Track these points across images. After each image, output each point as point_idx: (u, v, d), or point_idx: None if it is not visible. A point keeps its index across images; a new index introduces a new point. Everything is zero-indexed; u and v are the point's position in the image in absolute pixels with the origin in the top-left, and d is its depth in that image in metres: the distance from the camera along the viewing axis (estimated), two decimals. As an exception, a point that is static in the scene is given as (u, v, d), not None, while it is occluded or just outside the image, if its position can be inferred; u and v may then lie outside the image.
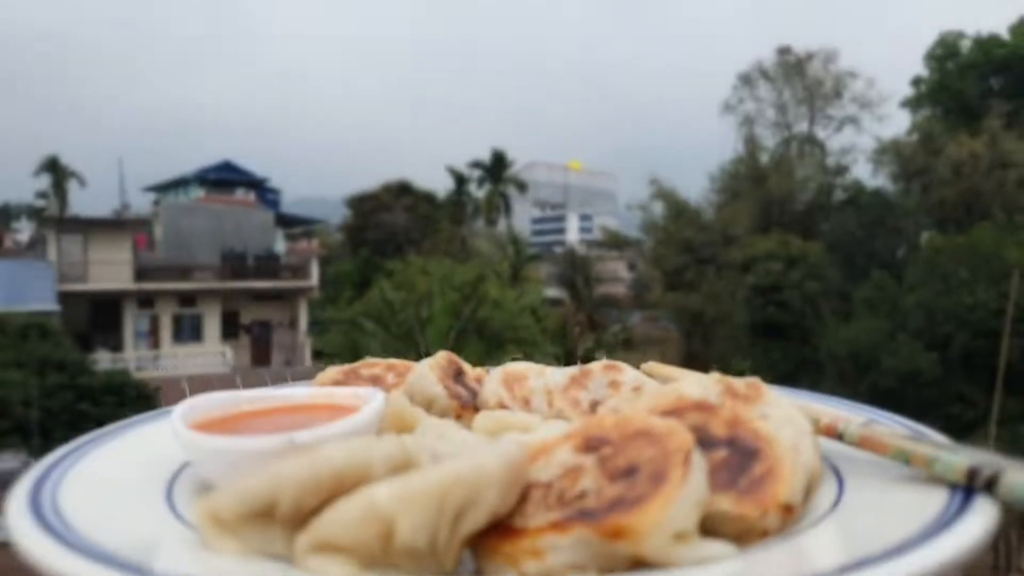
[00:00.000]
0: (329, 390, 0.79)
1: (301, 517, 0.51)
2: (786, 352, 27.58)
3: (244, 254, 30.63)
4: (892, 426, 0.69)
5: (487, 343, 18.77)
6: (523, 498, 0.54)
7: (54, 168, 40.86)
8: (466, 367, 0.93)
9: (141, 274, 28.34)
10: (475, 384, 0.91)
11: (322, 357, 22.36)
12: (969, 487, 0.54)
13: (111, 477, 0.63)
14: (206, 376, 25.42)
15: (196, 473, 0.64)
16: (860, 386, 21.64)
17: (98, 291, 27.67)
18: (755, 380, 0.74)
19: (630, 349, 29.04)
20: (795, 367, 27.22)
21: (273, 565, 0.47)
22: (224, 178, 41.84)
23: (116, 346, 27.53)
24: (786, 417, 0.68)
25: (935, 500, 0.53)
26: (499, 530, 0.52)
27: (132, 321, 28.41)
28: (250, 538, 0.49)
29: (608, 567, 0.49)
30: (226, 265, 30.03)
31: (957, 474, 0.55)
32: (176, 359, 27.35)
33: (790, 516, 0.53)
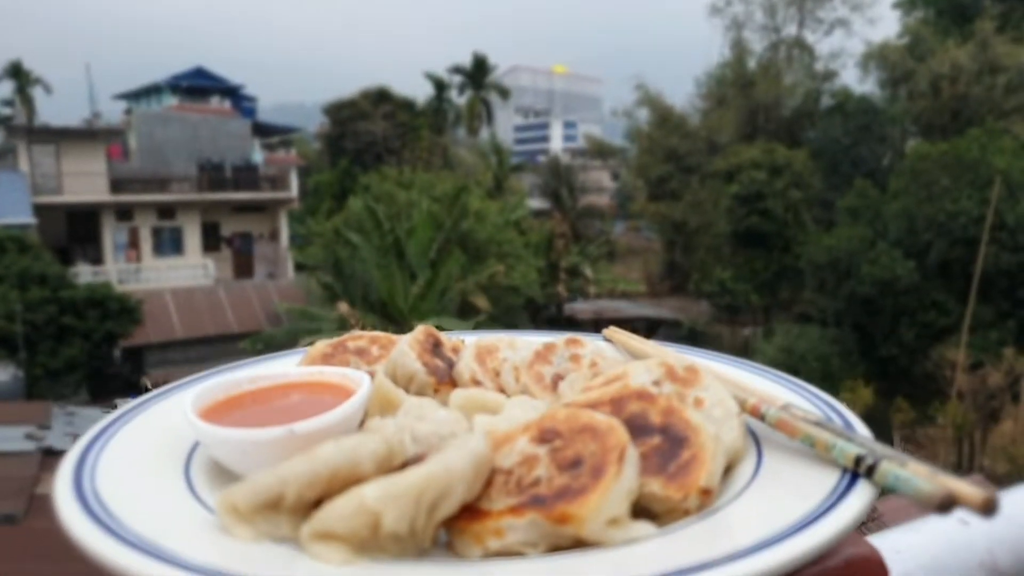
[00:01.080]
0: (320, 370, 0.89)
1: (303, 507, 0.62)
2: (767, 261, 27.98)
3: (222, 164, 30.16)
4: (809, 407, 0.80)
5: (470, 257, 18.87)
6: (488, 483, 0.65)
7: (17, 74, 39.46)
8: (443, 338, 1.03)
9: (117, 186, 27.91)
10: (451, 355, 1.01)
11: (305, 270, 22.40)
12: (855, 472, 0.65)
13: (137, 458, 0.73)
14: (189, 289, 25.51)
15: (209, 455, 0.74)
16: (839, 294, 22.11)
17: (74, 203, 27.30)
18: (693, 364, 0.84)
19: (613, 261, 29.29)
20: (775, 276, 27.68)
21: (285, 549, 0.58)
22: (197, 85, 40.70)
23: (96, 259, 27.40)
24: (718, 400, 0.79)
25: (827, 482, 0.65)
26: (467, 512, 0.63)
27: (111, 234, 28.17)
28: (261, 525, 0.60)
29: (555, 544, 0.60)
30: (203, 176, 29.60)
31: (847, 460, 0.66)
32: (158, 272, 27.31)
33: (708, 498, 0.65)
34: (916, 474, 0.62)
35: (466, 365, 0.94)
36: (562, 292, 23.76)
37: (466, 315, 18.46)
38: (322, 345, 1.00)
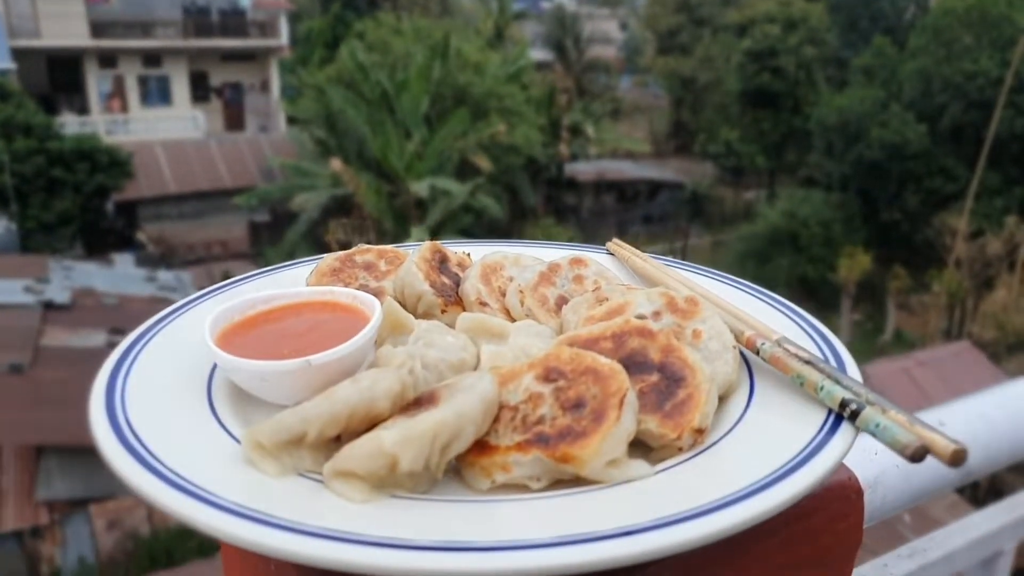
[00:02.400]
0: (331, 290, 0.91)
1: (324, 442, 0.66)
2: (776, 122, 27.34)
3: (208, 8, 28.75)
4: (804, 339, 0.84)
5: (470, 113, 18.38)
6: (496, 419, 0.70)
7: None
8: (449, 254, 1.05)
9: (98, 30, 26.69)
10: (458, 270, 1.04)
11: (297, 123, 21.88)
12: (840, 415, 0.70)
13: (163, 382, 0.77)
14: (180, 142, 25.04)
15: (230, 380, 0.79)
16: (846, 157, 21.78)
17: (55, 48, 26.19)
18: (693, 296, 0.87)
19: (618, 119, 28.61)
20: (783, 138, 27.17)
21: (310, 483, 0.63)
22: (180, -81, 37.99)
23: (82, 109, 26.66)
24: (715, 332, 0.83)
25: (812, 424, 0.69)
26: (477, 446, 0.68)
27: (95, 82, 27.22)
28: (285, 459, 0.65)
29: (557, 479, 0.66)
30: (189, 21, 28.26)
31: (833, 403, 0.71)
32: (146, 123, 26.64)
33: (701, 436, 0.69)
34: (895, 422, 0.66)
35: (472, 285, 0.96)
36: (564, 152, 23.37)
37: (465, 175, 18.26)
38: (330, 259, 1.02)
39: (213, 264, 18.29)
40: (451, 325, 0.94)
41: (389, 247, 1.07)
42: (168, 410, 0.73)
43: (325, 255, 1.04)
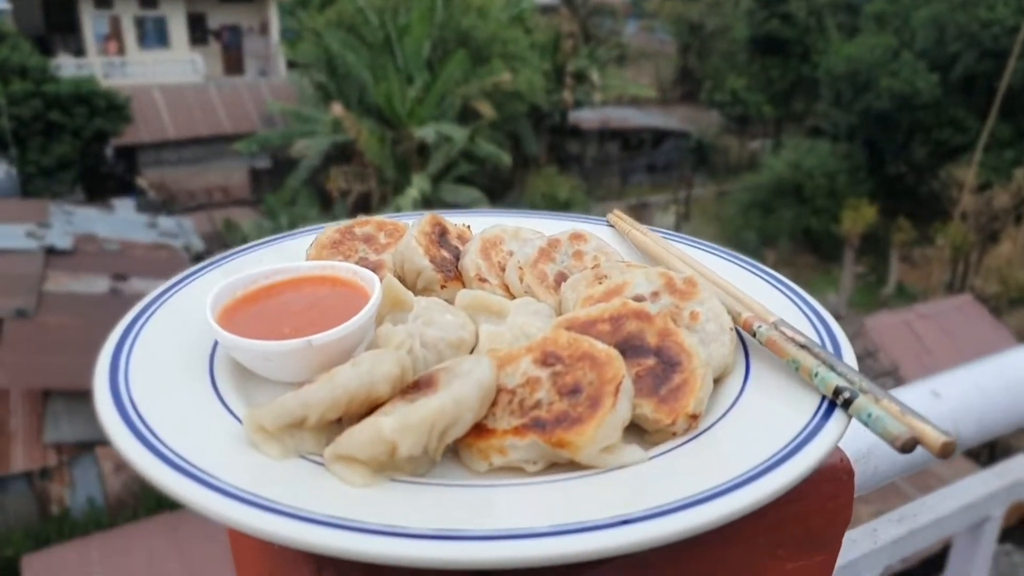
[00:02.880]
0: (331, 265, 0.92)
1: (325, 425, 0.68)
2: (784, 70, 26.87)
3: (202, -58, 27.99)
4: (802, 321, 0.85)
5: (472, 58, 18.04)
6: (494, 402, 0.71)
7: None
8: (449, 226, 1.05)
9: (92, -33, 26.05)
10: (457, 243, 1.04)
11: (296, 67, 21.49)
12: (833, 402, 0.71)
13: (165, 359, 0.78)
14: (179, 86, 24.66)
15: (232, 358, 0.80)
16: (854, 107, 21.45)
17: (49, -14, 25.62)
18: (691, 276, 0.87)
19: (624, 64, 28.10)
20: (791, 87, 26.75)
21: (311, 466, 0.65)
22: None
23: (78, 50, 26.18)
24: (712, 314, 0.83)
25: (806, 411, 0.70)
26: (475, 429, 0.69)
27: (91, 23, 26.66)
28: (287, 441, 0.66)
29: (553, 462, 0.67)
30: (183, -45, 27.55)
31: (827, 390, 0.72)
32: (144, 66, 26.19)
33: (695, 422, 0.70)
34: (887, 412, 0.67)
35: (472, 260, 0.97)
36: (568, 99, 23.01)
37: (467, 120, 18.02)
38: (330, 231, 1.02)
39: (214, 210, 18.21)
40: (450, 301, 0.94)
41: (388, 219, 1.06)
42: (171, 389, 0.74)
43: (325, 226, 1.04)
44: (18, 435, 9.66)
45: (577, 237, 1.01)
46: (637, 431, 0.72)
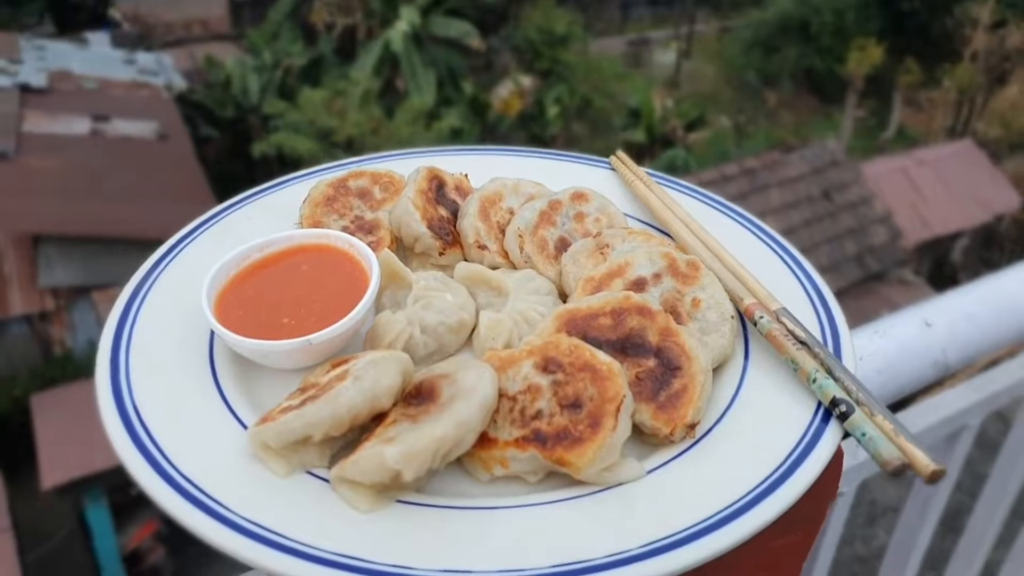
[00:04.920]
0: (326, 233, 0.89)
1: (330, 441, 0.69)
2: None
3: None
4: (806, 308, 0.84)
5: None
6: (496, 409, 0.71)
7: None
8: (446, 177, 1.01)
9: None
10: (455, 196, 1.01)
11: None
12: (829, 411, 0.72)
13: (167, 357, 0.78)
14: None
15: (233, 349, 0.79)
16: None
17: None
18: (694, 260, 0.85)
19: None
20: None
21: (316, 486, 0.66)
22: None
23: None
24: (714, 302, 0.83)
25: (801, 421, 0.71)
26: (477, 439, 0.70)
27: None
28: (292, 458, 0.67)
29: (552, 473, 0.69)
30: None
31: (824, 398, 0.72)
32: None
33: (692, 432, 0.72)
34: (882, 431, 0.68)
35: (470, 224, 0.94)
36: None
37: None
38: (323, 187, 0.99)
39: (194, 46, 17.30)
40: (450, 267, 0.93)
41: (383, 170, 1.02)
42: (174, 391, 0.74)
43: (317, 182, 1.00)
44: (13, 279, 9.75)
45: (579, 197, 0.98)
46: (635, 429, 0.73)
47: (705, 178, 10.96)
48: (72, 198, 9.94)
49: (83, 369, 9.38)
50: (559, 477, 0.69)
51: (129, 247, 9.53)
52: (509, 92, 15.26)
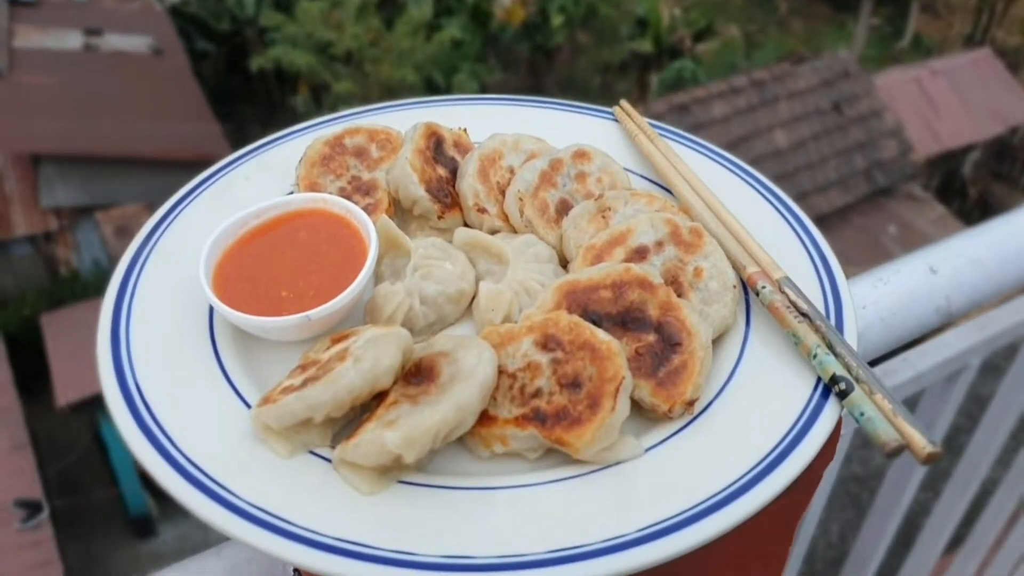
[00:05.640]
0: (323, 197, 0.88)
1: (331, 422, 0.69)
2: None
3: None
4: (809, 276, 0.83)
5: None
6: (495, 386, 0.71)
7: None
8: (444, 133, 0.99)
9: None
10: (454, 153, 0.98)
11: None
12: (828, 388, 0.72)
13: (168, 332, 0.78)
14: None
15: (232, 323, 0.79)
16: None
17: None
18: (697, 227, 0.84)
19: None
20: None
21: (319, 467, 0.67)
22: None
23: None
24: (716, 271, 0.82)
25: (800, 396, 0.72)
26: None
27: None
28: (295, 439, 0.68)
29: (551, 450, 0.70)
30: None
31: (825, 374, 0.72)
32: None
33: (691, 408, 0.72)
34: (880, 411, 0.69)
35: (469, 185, 0.92)
36: None
37: None
38: (319, 145, 0.96)
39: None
40: (449, 229, 0.92)
41: (380, 127, 0.99)
42: (177, 368, 0.75)
43: (313, 140, 0.97)
44: (15, 200, 9.71)
45: (580, 155, 0.95)
46: (634, 404, 0.74)
47: (713, 90, 10.71)
48: (69, 116, 9.78)
49: (90, 289, 9.46)
50: (559, 454, 0.70)
51: (130, 167, 9.45)
52: (512, 1, 14.75)
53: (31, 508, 7.09)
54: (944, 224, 11.66)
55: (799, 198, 9.86)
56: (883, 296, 1.16)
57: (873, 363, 1.47)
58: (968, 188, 14.04)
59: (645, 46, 13.93)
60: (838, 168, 11.12)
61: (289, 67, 10.98)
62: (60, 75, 10.18)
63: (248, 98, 11.89)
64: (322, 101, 11.20)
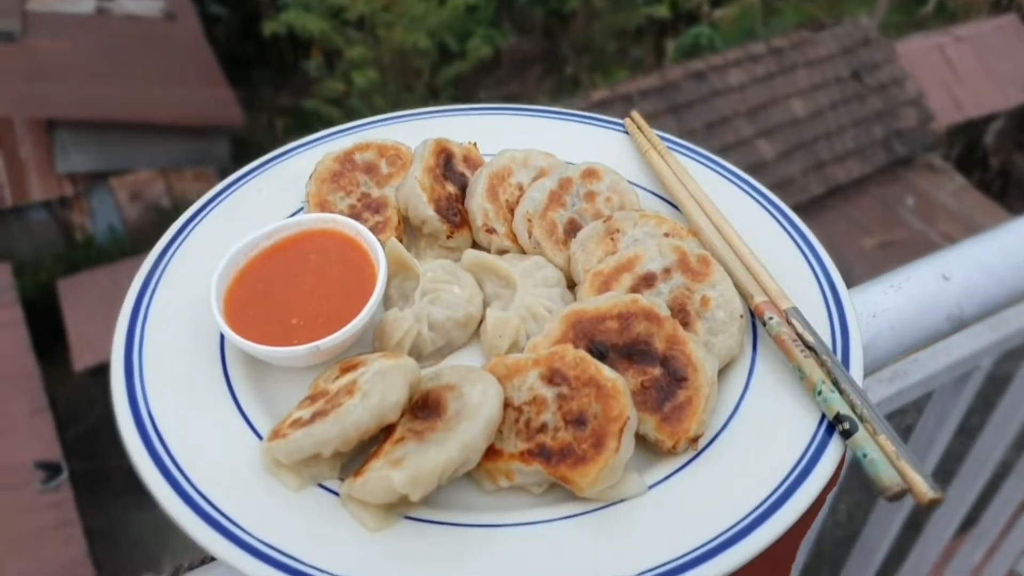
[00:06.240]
0: (333, 218, 0.88)
1: (339, 456, 0.70)
2: None
3: None
4: (817, 306, 0.83)
5: None
6: (502, 420, 0.72)
7: None
8: (454, 148, 0.98)
9: None
10: (464, 168, 0.98)
11: None
12: (832, 426, 0.72)
13: (180, 360, 0.79)
14: None
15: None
16: None
17: None
18: (706, 256, 0.84)
19: None
20: None
21: (328, 502, 0.68)
22: None
23: None
24: (723, 300, 0.82)
25: (804, 435, 0.72)
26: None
27: None
28: (304, 472, 0.69)
29: (555, 486, 0.71)
30: None
31: (829, 412, 0.73)
32: None
33: (695, 444, 0.73)
34: (883, 452, 0.69)
35: (478, 205, 0.92)
36: None
37: None
38: (329, 162, 0.96)
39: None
40: (458, 249, 0.92)
41: (389, 143, 0.99)
42: (189, 396, 0.76)
43: (323, 156, 0.97)
44: (30, 165, 9.76)
45: (590, 174, 0.95)
46: (639, 437, 0.74)
47: (731, 57, 10.53)
48: (83, 81, 9.76)
49: (105, 255, 9.53)
50: (563, 489, 0.71)
51: (144, 132, 9.46)
52: (527, -37, 14.47)
53: (51, 470, 7.23)
54: (963, 195, 11.48)
55: (816, 168, 9.73)
56: (894, 303, 1.15)
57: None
58: (989, 158, 13.82)
59: (661, 11, 13.66)
60: (856, 137, 10.96)
61: (302, 32, 10.88)
62: (73, 39, 10.14)
63: (261, 63, 11.81)
64: (335, 66, 11.11)
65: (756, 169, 7.92)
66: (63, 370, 8.07)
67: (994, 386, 1.77)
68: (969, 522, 2.08)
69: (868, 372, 1.23)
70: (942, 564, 2.26)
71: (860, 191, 10.76)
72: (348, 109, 9.66)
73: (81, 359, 8.05)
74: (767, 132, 10.00)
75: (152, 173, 9.65)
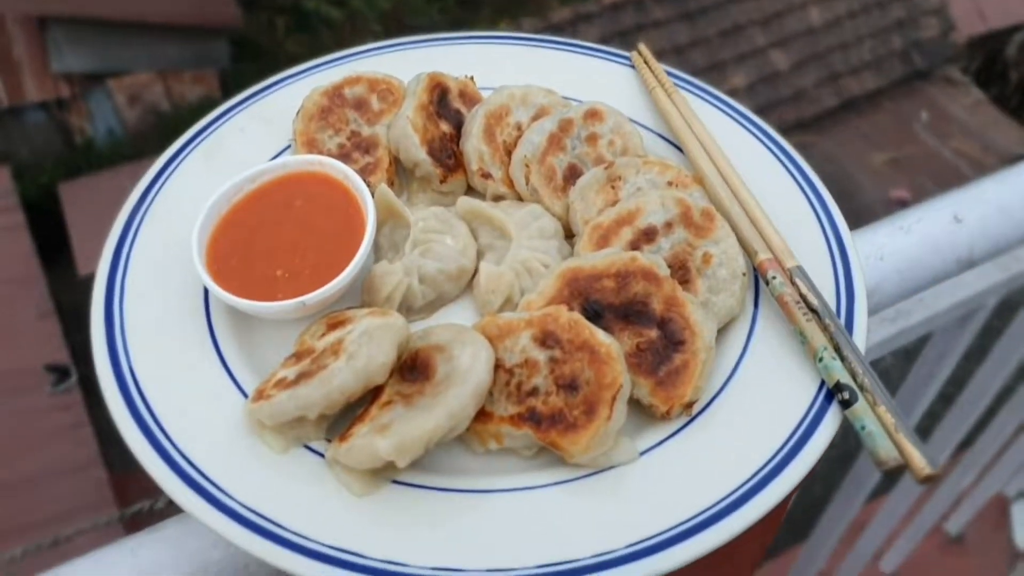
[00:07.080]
0: (320, 159, 0.84)
1: (325, 418, 0.69)
2: None
3: None
4: (823, 264, 0.79)
5: None
6: (492, 383, 0.70)
7: None
8: (449, 83, 0.93)
9: None
10: (459, 104, 0.93)
11: None
12: (831, 394, 0.70)
13: (162, 313, 0.76)
14: None
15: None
16: None
17: None
18: (709, 209, 0.80)
19: None
20: None
21: (312, 465, 0.67)
22: None
23: None
24: (726, 258, 0.79)
25: (802, 402, 0.70)
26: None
27: None
28: (289, 434, 0.68)
29: (545, 450, 0.69)
30: None
31: (829, 381, 0.70)
32: None
33: (689, 410, 0.71)
34: (882, 425, 0.67)
35: (474, 147, 0.87)
36: None
37: None
38: (317, 97, 0.91)
39: None
40: (452, 194, 0.88)
41: (380, 77, 0.93)
42: (172, 352, 0.74)
43: (311, 91, 0.92)
44: (24, 65, 9.51)
45: (592, 115, 0.90)
46: (632, 401, 0.72)
47: (749, -40, 10.05)
48: (72, -24, 9.39)
49: (106, 158, 9.41)
50: (553, 452, 0.69)
51: (141, 32, 9.15)
52: None
53: (60, 373, 7.35)
54: (979, 110, 11.18)
55: (830, 79, 9.44)
56: (903, 247, 1.12)
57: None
58: (1009, 71, 13.39)
59: (679, -93, 12.97)
60: (874, 49, 10.57)
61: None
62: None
63: (257, -42, 11.31)
64: (335, -36, 10.65)
65: (769, 80, 7.68)
66: (67, 275, 8.10)
67: (1009, 309, 1.73)
68: (966, 444, 2.09)
69: (870, 314, 1.21)
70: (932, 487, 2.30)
71: (874, 105, 10.46)
72: (351, 10, 9.32)
73: (85, 264, 8.03)
74: (781, 42, 9.63)
75: (150, 75, 9.40)
